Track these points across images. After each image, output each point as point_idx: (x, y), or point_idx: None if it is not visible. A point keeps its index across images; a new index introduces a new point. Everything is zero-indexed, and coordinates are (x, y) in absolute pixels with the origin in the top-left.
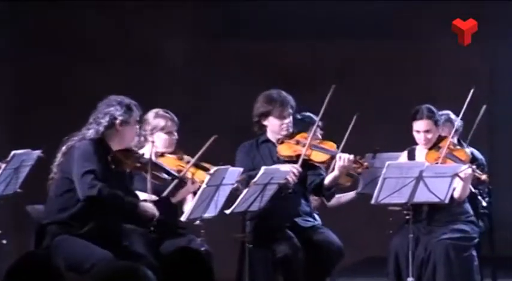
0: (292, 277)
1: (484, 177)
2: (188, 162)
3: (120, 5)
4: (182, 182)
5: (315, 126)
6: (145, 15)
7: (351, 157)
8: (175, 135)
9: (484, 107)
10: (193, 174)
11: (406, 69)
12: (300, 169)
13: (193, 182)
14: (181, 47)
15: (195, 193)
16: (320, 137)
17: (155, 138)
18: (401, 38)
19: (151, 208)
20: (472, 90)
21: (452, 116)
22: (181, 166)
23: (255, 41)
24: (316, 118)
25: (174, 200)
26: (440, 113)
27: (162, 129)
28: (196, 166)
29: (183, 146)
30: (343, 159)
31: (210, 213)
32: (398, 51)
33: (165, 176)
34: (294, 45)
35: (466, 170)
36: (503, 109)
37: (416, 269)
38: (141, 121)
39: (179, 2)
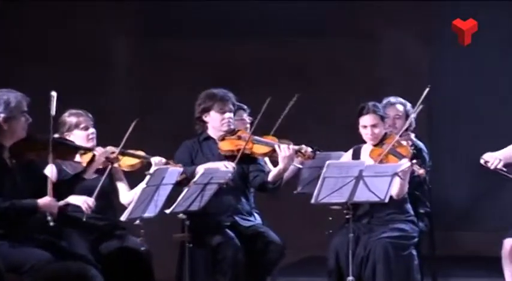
0: (233, 277)
1: (421, 171)
2: (113, 152)
3: (63, 3)
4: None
5: (256, 121)
6: (89, 13)
7: (291, 145)
8: (92, 130)
9: (427, 89)
10: (119, 161)
11: (348, 67)
12: (234, 165)
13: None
14: (126, 46)
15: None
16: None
17: (73, 138)
18: (342, 35)
19: (51, 205)
20: (427, 89)
21: (403, 106)
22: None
23: (199, 39)
24: (244, 106)
25: (86, 176)
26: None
27: (76, 126)
28: (123, 153)
29: (129, 145)
30: (283, 149)
31: (150, 213)
32: (340, 50)
33: (77, 157)
34: (237, 45)
35: (404, 165)
36: (443, 104)
37: (356, 268)
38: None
39: (123, 0)
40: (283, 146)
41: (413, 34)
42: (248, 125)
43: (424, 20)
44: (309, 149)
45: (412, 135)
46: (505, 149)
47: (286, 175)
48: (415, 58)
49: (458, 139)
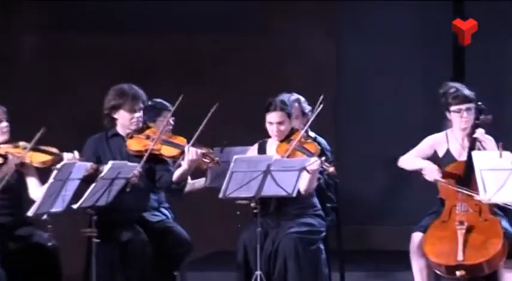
0: (141, 272)
1: (331, 169)
2: (25, 148)
3: None
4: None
5: (168, 118)
6: None
7: (199, 150)
8: (5, 124)
9: (321, 97)
10: (30, 157)
11: (257, 63)
12: (140, 169)
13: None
14: (31, 41)
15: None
16: (172, 123)
17: None
18: (251, 32)
19: None
20: (321, 98)
21: (305, 104)
22: (17, 152)
23: (107, 34)
24: (169, 105)
25: None
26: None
27: None
28: (34, 149)
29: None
30: (191, 152)
31: (58, 208)
32: (250, 46)
33: None
34: (147, 40)
35: (314, 163)
36: (349, 100)
37: (264, 262)
38: None
39: None
40: (192, 150)
41: (320, 31)
42: (171, 127)
43: (331, 17)
44: (216, 157)
45: (313, 134)
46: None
47: (197, 186)
48: (322, 55)
49: (366, 134)
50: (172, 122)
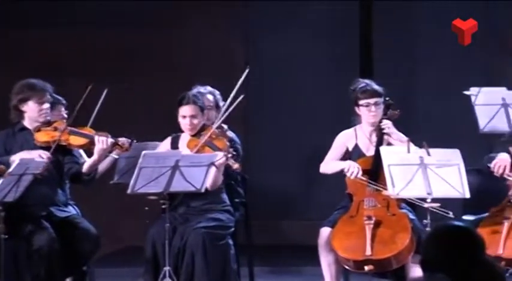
0: (48, 268)
1: (236, 166)
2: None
3: None
4: None
5: (74, 113)
6: None
7: (109, 140)
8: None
9: (232, 94)
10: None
11: (169, 58)
12: (49, 155)
13: None
14: None
15: None
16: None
17: None
18: (163, 27)
19: None
20: (247, 71)
21: (219, 96)
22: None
23: (13, 29)
24: (63, 100)
25: None
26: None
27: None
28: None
29: None
30: (101, 141)
31: None
32: (162, 41)
33: None
34: (57, 34)
35: (220, 159)
36: (260, 94)
37: (173, 258)
38: None
39: None
40: (102, 139)
41: (232, 27)
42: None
43: (243, 13)
44: (126, 142)
45: (225, 126)
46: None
47: (103, 166)
48: (233, 51)
49: (276, 130)
50: (65, 114)
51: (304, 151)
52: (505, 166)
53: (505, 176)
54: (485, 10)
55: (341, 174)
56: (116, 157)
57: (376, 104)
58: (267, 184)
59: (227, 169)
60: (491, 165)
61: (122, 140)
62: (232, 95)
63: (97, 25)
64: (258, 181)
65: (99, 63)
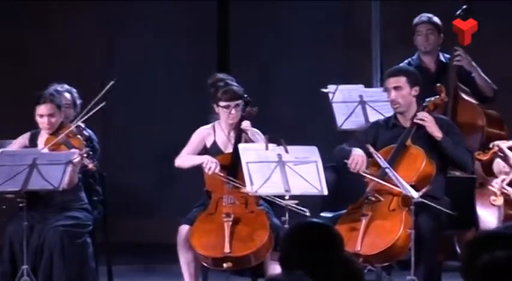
0: None
1: (91, 166)
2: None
3: None
4: None
5: None
6: None
7: None
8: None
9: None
10: None
11: (34, 56)
12: None
13: None
14: None
15: None
16: None
17: None
18: (30, 25)
19: None
20: (112, 83)
21: (76, 94)
22: None
23: None
24: None
25: None
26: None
27: None
28: None
29: None
30: None
31: None
32: (29, 38)
33: None
34: None
35: (77, 157)
36: (116, 93)
37: (31, 256)
38: None
39: None
40: None
41: (91, 23)
42: None
43: (101, 11)
44: None
45: (82, 125)
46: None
47: None
48: (92, 48)
49: (135, 128)
50: None
51: (163, 150)
52: (362, 162)
53: (361, 172)
54: (344, 10)
55: (200, 172)
56: None
57: (236, 106)
58: (127, 182)
59: (83, 167)
60: (348, 161)
61: None
62: (94, 101)
63: None
64: (117, 179)
65: None
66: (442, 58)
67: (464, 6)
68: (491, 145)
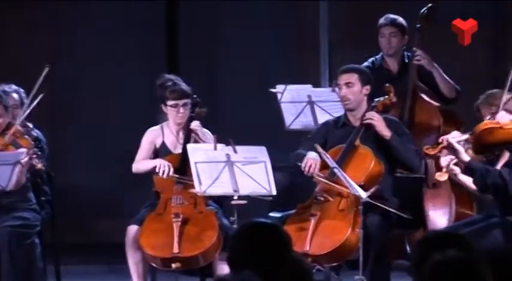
0: None
1: (39, 166)
2: None
3: None
4: None
5: None
6: None
7: None
8: None
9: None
10: None
11: None
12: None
13: None
14: None
15: None
16: None
17: None
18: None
19: None
20: (46, 69)
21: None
22: None
23: None
24: None
25: None
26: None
27: None
28: None
29: None
30: None
31: None
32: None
33: None
34: None
35: (25, 158)
36: (64, 92)
37: None
38: None
39: None
40: None
41: (36, 21)
42: None
43: (49, 7)
44: None
45: (30, 125)
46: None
47: None
48: (39, 46)
49: (85, 128)
50: None
51: (113, 149)
52: (316, 165)
53: (315, 175)
54: (292, 10)
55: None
56: None
57: (184, 105)
58: (76, 182)
59: (31, 167)
60: (302, 164)
61: None
62: (32, 93)
63: None
64: (66, 179)
65: None
66: (406, 59)
67: (430, 5)
68: (440, 140)
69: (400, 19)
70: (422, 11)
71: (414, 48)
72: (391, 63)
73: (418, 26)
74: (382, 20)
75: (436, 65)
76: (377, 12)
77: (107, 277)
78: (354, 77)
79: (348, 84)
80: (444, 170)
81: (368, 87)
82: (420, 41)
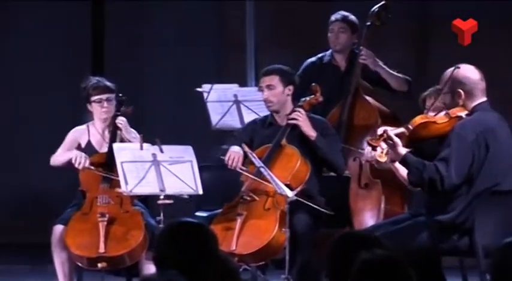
0: None
1: None
2: None
3: None
4: None
5: None
6: None
7: None
8: None
9: None
10: None
11: None
12: None
13: None
14: None
15: None
16: None
17: None
18: None
19: None
20: None
21: None
22: None
23: None
24: None
25: None
26: None
27: None
28: None
29: None
30: None
31: None
32: None
33: None
34: None
35: None
36: None
37: None
38: None
39: None
40: None
41: None
42: None
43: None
44: None
45: None
46: None
47: None
48: None
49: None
50: None
51: (36, 151)
52: (238, 158)
53: (238, 169)
54: (218, 9)
55: (75, 171)
56: None
57: (108, 100)
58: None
59: None
60: (225, 158)
61: None
62: None
63: None
64: None
65: None
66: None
67: (383, 2)
68: (379, 131)
69: (352, 17)
70: (373, 8)
71: (361, 47)
72: (339, 60)
73: (367, 23)
74: (333, 16)
75: (381, 63)
76: (302, 12)
77: (32, 278)
78: (275, 80)
79: (269, 86)
80: (385, 151)
81: (291, 87)
82: (367, 39)
